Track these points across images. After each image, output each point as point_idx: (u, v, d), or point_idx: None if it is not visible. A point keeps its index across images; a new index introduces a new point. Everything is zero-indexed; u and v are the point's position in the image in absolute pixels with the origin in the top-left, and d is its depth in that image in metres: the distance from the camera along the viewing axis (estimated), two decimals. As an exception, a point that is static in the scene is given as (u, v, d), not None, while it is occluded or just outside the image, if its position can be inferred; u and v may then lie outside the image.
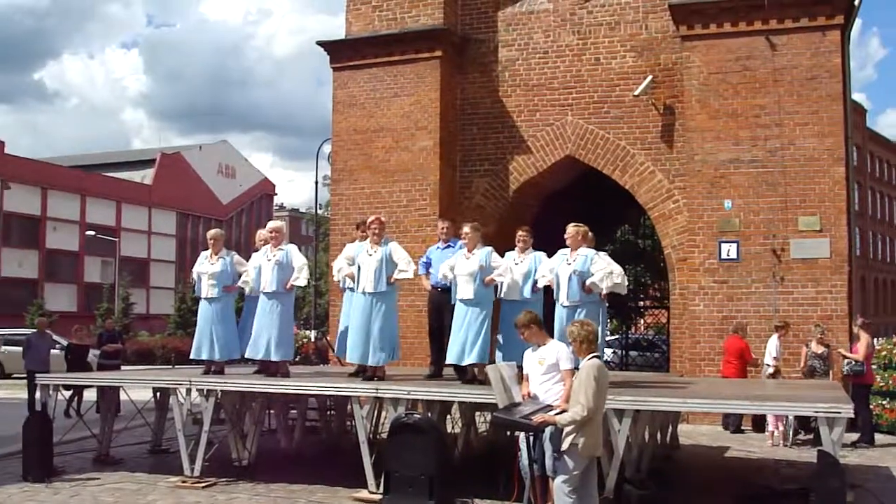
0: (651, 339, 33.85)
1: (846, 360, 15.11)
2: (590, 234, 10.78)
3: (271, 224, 12.28)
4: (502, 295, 11.01)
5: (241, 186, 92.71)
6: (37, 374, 14.34)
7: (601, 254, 10.76)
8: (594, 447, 7.55)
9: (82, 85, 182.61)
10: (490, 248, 10.99)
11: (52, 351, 20.98)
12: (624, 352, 31.85)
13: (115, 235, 68.73)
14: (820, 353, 15.17)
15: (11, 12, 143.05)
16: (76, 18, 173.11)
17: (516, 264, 10.98)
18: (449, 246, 11.64)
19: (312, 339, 26.36)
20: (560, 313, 10.39)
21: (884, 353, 16.91)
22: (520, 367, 8.60)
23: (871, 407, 15.73)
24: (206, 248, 12.61)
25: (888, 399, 16.41)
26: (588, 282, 10.34)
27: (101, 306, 59.35)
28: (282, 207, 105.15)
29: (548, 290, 10.85)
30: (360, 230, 12.18)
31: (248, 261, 12.44)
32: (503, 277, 10.80)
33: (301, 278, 11.88)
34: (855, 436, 14.83)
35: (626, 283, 10.88)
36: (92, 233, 64.49)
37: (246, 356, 12.16)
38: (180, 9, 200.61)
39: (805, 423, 15.14)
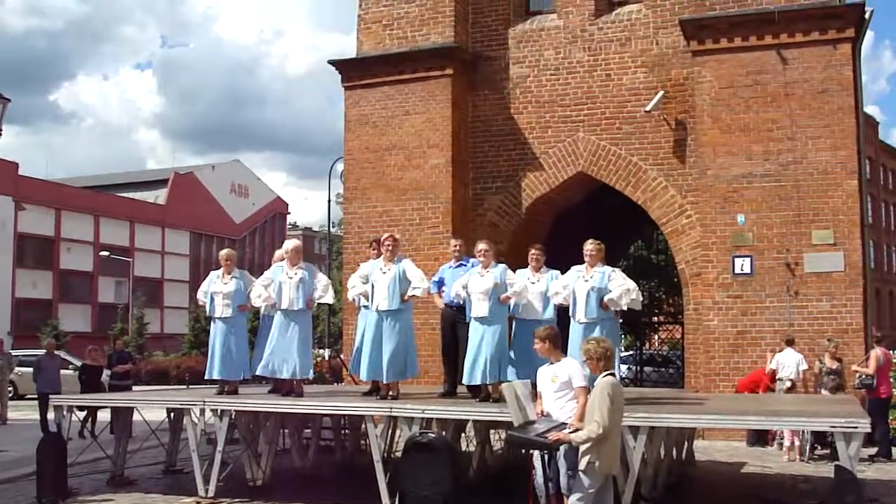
0: (665, 354, 33.76)
1: (857, 374, 15.03)
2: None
3: (289, 243, 12.24)
4: (517, 313, 10.97)
5: (255, 205, 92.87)
6: (51, 395, 14.35)
7: (617, 270, 10.76)
8: (611, 465, 7.51)
9: (97, 106, 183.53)
10: (504, 266, 10.96)
11: (65, 371, 21.08)
12: (638, 368, 31.76)
13: (129, 256, 68.88)
14: (834, 368, 15.08)
15: (27, 35, 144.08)
16: (91, 40, 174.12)
17: (532, 283, 10.94)
18: (462, 264, 11.61)
19: (326, 358, 26.36)
20: (576, 330, 10.32)
21: (900, 366, 16.79)
22: (534, 385, 8.58)
23: (889, 421, 15.62)
24: (219, 268, 12.63)
25: (905, 413, 16.28)
26: (606, 298, 10.32)
27: (116, 326, 59.47)
28: (295, 226, 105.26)
29: (560, 307, 10.80)
30: (373, 248, 12.17)
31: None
32: (520, 296, 10.77)
33: (327, 296, 11.92)
34: (872, 450, 14.72)
35: (641, 300, 10.87)
36: (106, 253, 64.60)
37: (267, 375, 12.06)
38: (194, 29, 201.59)
39: (822, 438, 15.05)
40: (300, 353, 11.63)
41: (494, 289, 10.67)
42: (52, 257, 68.31)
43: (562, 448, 7.75)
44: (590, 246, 10.58)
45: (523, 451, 8.75)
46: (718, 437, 16.72)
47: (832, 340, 15.45)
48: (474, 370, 10.66)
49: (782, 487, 12.58)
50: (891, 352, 16.68)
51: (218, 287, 12.31)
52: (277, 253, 12.79)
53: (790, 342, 15.71)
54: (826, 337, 15.81)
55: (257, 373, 12.12)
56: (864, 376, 14.98)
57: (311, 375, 12.17)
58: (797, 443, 14.95)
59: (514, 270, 11.06)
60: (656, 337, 37.70)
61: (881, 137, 77.22)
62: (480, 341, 10.65)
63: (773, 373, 15.66)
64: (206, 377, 12.62)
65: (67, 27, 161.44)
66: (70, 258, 69.34)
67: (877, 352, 15.24)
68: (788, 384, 15.23)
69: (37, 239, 66.79)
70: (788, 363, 15.45)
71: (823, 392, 14.96)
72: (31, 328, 56.42)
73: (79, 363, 22.70)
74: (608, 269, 10.63)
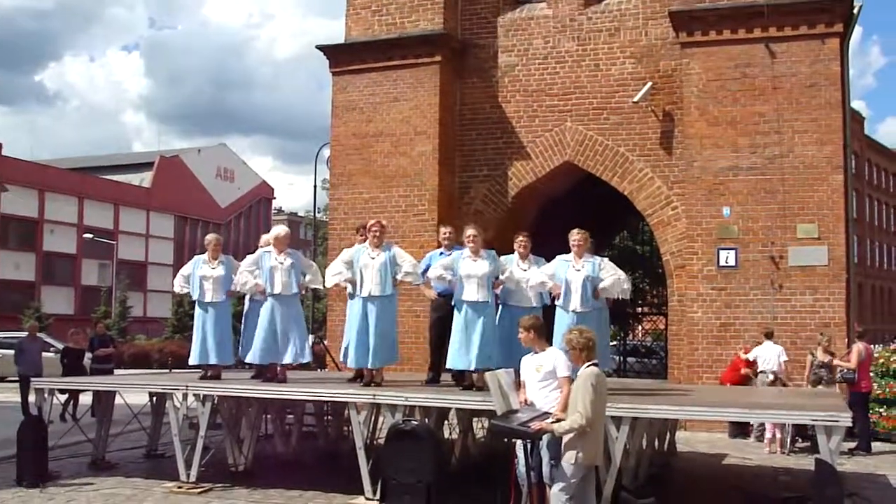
0: (649, 345, 33.86)
1: (839, 368, 15.08)
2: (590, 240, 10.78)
3: (280, 229, 12.16)
4: (505, 300, 10.94)
5: (240, 190, 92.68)
6: (32, 378, 14.28)
7: (605, 259, 10.77)
8: (594, 456, 7.52)
9: (83, 87, 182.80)
10: (494, 252, 10.94)
11: (47, 354, 20.97)
12: (622, 358, 31.84)
13: (113, 238, 68.77)
14: (826, 362, 15.10)
15: (13, 14, 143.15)
16: (78, 21, 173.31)
17: (524, 271, 10.88)
18: (452, 252, 11.52)
19: (310, 343, 26.27)
20: (567, 319, 10.22)
21: (881, 360, 16.88)
22: (517, 374, 8.57)
23: (869, 415, 15.71)
24: (204, 252, 12.56)
25: (885, 407, 16.38)
26: (600, 287, 10.33)
27: (99, 309, 59.33)
28: (280, 211, 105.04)
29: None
30: (359, 234, 12.09)
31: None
32: (512, 283, 10.75)
33: (316, 280, 11.98)
34: (852, 444, 14.80)
35: (630, 289, 10.89)
36: (89, 235, 64.42)
37: (266, 363, 12.00)
38: (183, 11, 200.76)
39: (802, 431, 15.12)
40: (300, 336, 11.64)
41: (489, 274, 10.64)
42: (35, 239, 68.08)
43: (544, 438, 7.76)
44: (577, 235, 10.53)
45: (506, 440, 8.74)
46: (700, 429, 16.79)
47: (825, 334, 15.49)
48: (464, 355, 10.56)
49: (763, 479, 12.63)
50: (871, 346, 16.76)
51: (206, 272, 12.22)
52: (264, 238, 12.72)
53: (769, 335, 15.76)
54: (818, 331, 15.85)
55: (256, 361, 11.98)
56: (845, 370, 15.04)
57: (310, 359, 12.17)
58: (778, 435, 15.01)
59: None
60: (640, 328, 37.83)
61: (867, 132, 77.55)
62: (474, 327, 10.54)
63: (752, 362, 15.70)
64: (190, 362, 12.57)
65: (55, 7, 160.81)
66: (53, 240, 69.12)
67: (859, 346, 15.30)
68: (771, 377, 15.27)
69: (20, 220, 66.55)
70: (768, 356, 15.48)
71: (813, 386, 14.95)
72: (13, 310, 56.20)
73: (61, 346, 22.58)
74: (597, 258, 10.64)
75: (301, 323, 11.89)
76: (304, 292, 12.02)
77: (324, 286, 12.78)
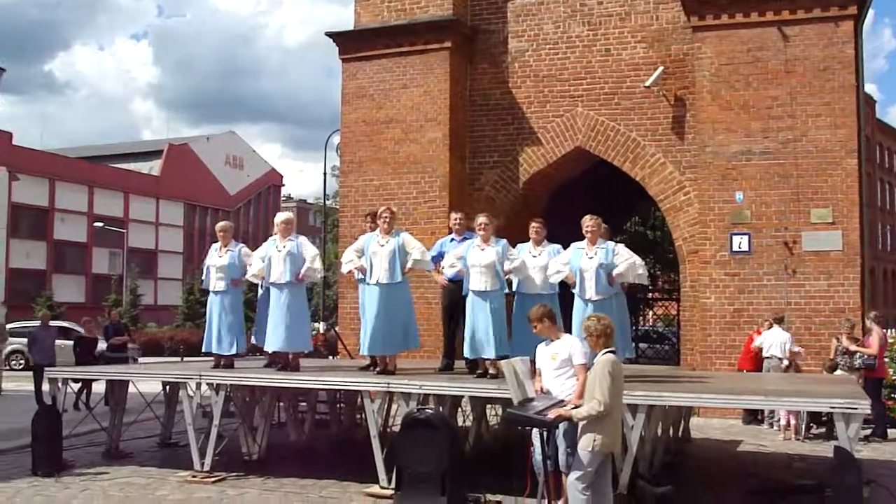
0: (661, 331, 33.76)
1: (858, 354, 14.93)
2: (604, 225, 10.69)
3: (281, 215, 12.14)
4: (518, 288, 10.89)
5: (249, 177, 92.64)
6: (45, 368, 14.29)
7: (620, 245, 10.68)
8: (611, 444, 7.46)
9: (92, 76, 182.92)
10: (505, 240, 10.86)
11: (66, 342, 21.00)
12: (635, 344, 31.76)
13: (123, 226, 68.84)
14: (850, 349, 14.94)
15: (22, 3, 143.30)
16: (87, 9, 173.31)
17: (534, 257, 10.81)
18: (465, 238, 11.44)
19: (322, 331, 26.30)
20: (585, 308, 10.16)
21: (896, 346, 16.80)
22: (532, 362, 8.52)
23: (885, 401, 15.62)
24: (216, 240, 12.54)
25: (900, 392, 16.29)
26: (614, 273, 10.24)
27: (110, 297, 59.45)
28: (289, 198, 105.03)
29: (562, 283, 10.70)
30: (370, 221, 12.02)
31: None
32: (520, 272, 10.66)
33: (314, 269, 11.78)
34: (867, 430, 14.72)
35: (647, 274, 10.80)
36: (100, 224, 64.51)
37: (266, 349, 11.99)
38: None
39: (817, 417, 15.05)
40: (290, 326, 11.53)
41: (495, 263, 10.58)
42: (45, 228, 68.13)
43: (561, 426, 7.72)
44: (590, 222, 10.42)
45: (521, 428, 8.69)
46: (714, 415, 16.73)
47: (849, 320, 15.38)
48: (473, 344, 10.58)
49: (778, 466, 12.57)
50: (886, 331, 16.65)
51: (213, 260, 12.21)
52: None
53: (778, 321, 15.65)
54: (841, 317, 15.72)
55: (265, 348, 11.95)
56: (865, 356, 14.86)
57: (308, 348, 12.09)
58: (793, 422, 14.94)
59: (513, 245, 10.96)
60: (651, 313, 37.71)
61: (878, 116, 77.12)
62: (480, 315, 10.54)
63: (759, 350, 15.63)
64: (202, 350, 12.56)
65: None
66: (64, 229, 69.17)
67: (880, 331, 15.18)
68: (785, 363, 15.18)
69: (31, 209, 66.58)
70: (774, 342, 15.39)
71: (837, 372, 14.82)
72: (25, 299, 56.32)
73: (82, 331, 22.42)
74: (611, 244, 10.55)
75: (296, 313, 11.66)
76: (300, 280, 11.78)
77: (322, 274, 12.66)
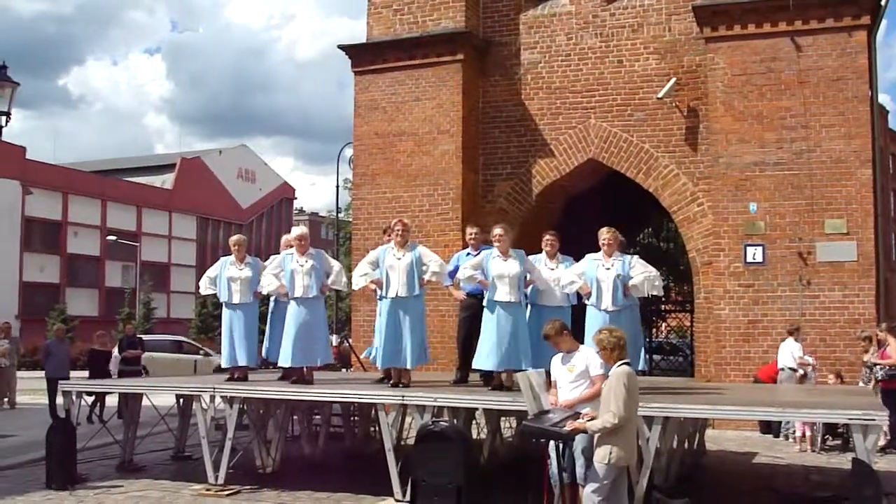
0: (674, 343, 33.67)
1: (878, 366, 14.75)
2: (620, 237, 10.67)
3: (298, 231, 12.15)
4: (533, 300, 10.86)
5: (261, 190, 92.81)
6: (60, 381, 14.32)
7: (636, 257, 10.66)
8: (627, 457, 7.44)
9: (106, 90, 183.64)
10: (523, 251, 10.83)
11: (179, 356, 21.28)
12: (648, 356, 31.68)
13: (136, 240, 68.97)
14: (868, 361, 14.81)
15: (36, 19, 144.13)
16: (100, 25, 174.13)
17: (551, 270, 10.79)
18: (479, 252, 11.42)
19: (335, 343, 26.27)
20: (600, 318, 10.09)
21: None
22: (548, 374, 8.50)
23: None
24: (228, 254, 12.56)
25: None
26: (630, 285, 10.23)
27: (123, 311, 59.56)
28: (301, 211, 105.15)
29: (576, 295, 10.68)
30: (386, 235, 12.00)
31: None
32: (542, 283, 10.64)
33: (339, 282, 11.87)
34: (882, 441, 14.60)
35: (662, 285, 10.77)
36: (113, 237, 64.66)
37: (284, 364, 11.95)
38: (204, 13, 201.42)
39: (832, 429, 14.95)
40: (320, 339, 11.64)
41: (520, 274, 10.53)
42: (59, 241, 68.33)
43: (577, 439, 7.69)
44: (607, 234, 10.42)
45: (536, 440, 8.66)
46: (728, 427, 16.63)
47: (864, 331, 15.26)
48: (495, 356, 10.43)
49: (794, 479, 12.49)
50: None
51: (233, 273, 12.20)
52: (285, 239, 12.71)
53: (791, 332, 15.57)
54: (863, 328, 15.58)
55: (282, 364, 11.92)
56: (887, 367, 14.69)
57: (329, 360, 12.10)
58: (808, 433, 14.85)
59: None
60: (664, 325, 37.62)
61: (892, 126, 76.80)
62: (506, 327, 10.41)
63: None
64: (221, 365, 12.59)
65: (77, 11, 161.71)
66: (77, 242, 69.38)
67: (894, 342, 15.05)
68: (801, 372, 15.10)
69: (44, 223, 66.81)
70: (784, 353, 15.34)
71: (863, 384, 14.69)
72: (39, 312, 56.51)
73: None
74: (627, 256, 10.53)
75: (322, 325, 11.86)
76: (326, 293, 11.90)
77: (347, 287, 12.70)
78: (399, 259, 11.05)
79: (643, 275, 10.30)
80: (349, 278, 12.22)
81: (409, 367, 11.03)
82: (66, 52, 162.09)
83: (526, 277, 10.61)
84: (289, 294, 11.64)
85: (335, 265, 11.91)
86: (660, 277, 10.55)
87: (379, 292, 11.36)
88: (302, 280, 11.56)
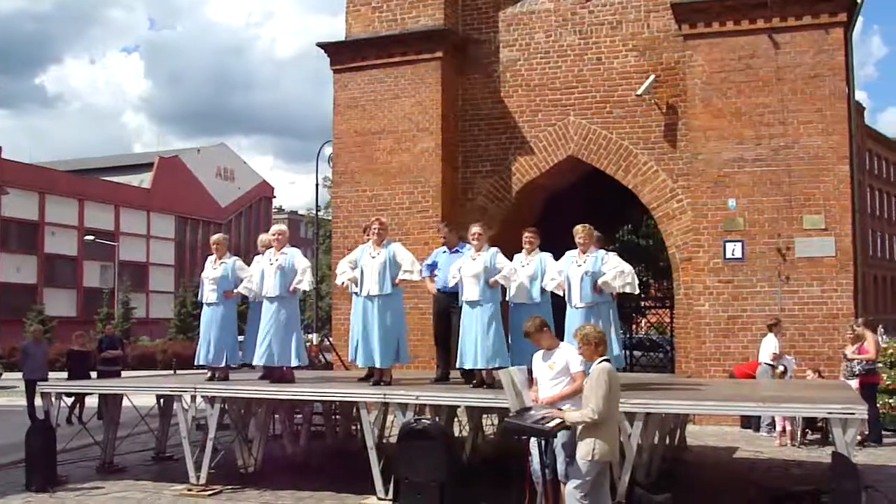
0: (654, 339, 33.76)
1: (856, 361, 14.81)
2: (596, 233, 10.69)
3: (274, 228, 12.18)
4: (510, 298, 10.89)
5: (240, 189, 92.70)
6: (38, 382, 14.23)
7: (611, 253, 10.69)
8: (610, 452, 7.46)
9: (83, 89, 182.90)
10: (496, 249, 10.83)
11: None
12: (629, 352, 31.76)
13: (114, 240, 68.69)
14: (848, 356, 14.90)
15: (14, 17, 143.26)
16: (78, 23, 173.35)
17: (523, 266, 10.84)
18: (457, 251, 11.47)
19: (315, 343, 26.23)
20: (573, 315, 10.24)
21: (890, 351, 16.78)
22: (529, 371, 8.51)
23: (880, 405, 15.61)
24: (210, 253, 12.57)
25: (894, 397, 16.27)
26: (600, 281, 10.24)
27: (102, 311, 59.27)
28: (280, 210, 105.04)
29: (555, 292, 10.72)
30: (366, 233, 12.02)
31: (249, 265, 12.34)
32: (508, 280, 10.65)
33: (304, 282, 11.74)
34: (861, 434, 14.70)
35: (637, 283, 10.76)
36: (91, 237, 64.37)
37: (253, 363, 11.99)
38: (183, 12, 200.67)
39: (812, 423, 15.04)
40: (284, 339, 11.55)
41: (484, 272, 10.57)
42: (36, 241, 68.04)
43: (559, 435, 7.71)
44: (581, 232, 10.47)
45: (518, 437, 8.67)
46: (709, 422, 16.72)
47: (859, 325, 15.35)
48: (466, 354, 10.58)
49: (775, 473, 12.57)
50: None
51: (208, 272, 12.25)
52: (262, 238, 12.70)
53: (770, 327, 15.65)
54: (849, 323, 15.66)
55: (252, 362, 11.95)
56: (864, 362, 14.78)
57: (304, 361, 12.03)
58: (789, 428, 14.94)
59: (508, 256, 10.94)
60: (643, 321, 37.71)
61: (868, 123, 77.48)
62: (472, 325, 10.56)
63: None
64: (195, 363, 12.53)
65: (55, 10, 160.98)
66: (54, 242, 69.10)
67: (875, 336, 15.18)
68: (781, 368, 15.19)
69: (21, 223, 66.51)
70: (763, 349, 15.44)
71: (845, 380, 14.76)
72: (16, 313, 56.16)
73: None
74: (602, 252, 10.55)
75: (287, 326, 11.66)
76: (291, 293, 11.78)
77: (311, 287, 12.62)
78: (374, 258, 11.12)
79: (614, 270, 10.29)
80: (333, 277, 12.21)
81: (378, 366, 11.04)
82: (43, 51, 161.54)
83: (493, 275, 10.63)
84: (258, 294, 11.69)
85: (300, 265, 11.75)
86: (633, 274, 10.51)
87: (352, 287, 11.42)
88: (269, 278, 11.59)
